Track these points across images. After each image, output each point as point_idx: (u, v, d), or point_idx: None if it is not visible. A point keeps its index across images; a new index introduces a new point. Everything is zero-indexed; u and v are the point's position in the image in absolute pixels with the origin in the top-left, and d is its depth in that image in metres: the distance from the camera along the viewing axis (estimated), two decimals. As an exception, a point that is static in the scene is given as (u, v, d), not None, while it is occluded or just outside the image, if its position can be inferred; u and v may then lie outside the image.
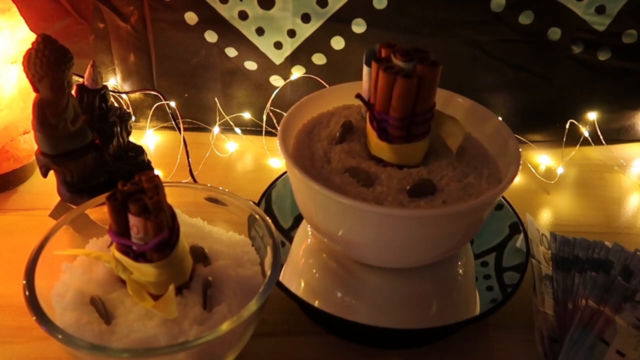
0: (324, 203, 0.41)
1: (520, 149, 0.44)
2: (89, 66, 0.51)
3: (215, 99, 0.72)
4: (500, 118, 0.49)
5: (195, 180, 0.64)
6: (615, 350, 0.44)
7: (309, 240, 0.50)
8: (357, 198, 0.40)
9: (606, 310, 0.47)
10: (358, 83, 0.48)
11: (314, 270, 0.48)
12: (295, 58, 0.68)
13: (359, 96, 0.42)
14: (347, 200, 0.39)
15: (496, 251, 0.52)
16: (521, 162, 0.43)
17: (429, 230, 0.41)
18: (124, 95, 0.71)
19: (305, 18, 0.65)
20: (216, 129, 0.72)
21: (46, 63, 0.46)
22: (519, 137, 0.47)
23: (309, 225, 0.51)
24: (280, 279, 0.48)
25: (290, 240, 0.52)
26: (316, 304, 0.45)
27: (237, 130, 0.73)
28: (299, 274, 0.48)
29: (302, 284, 0.47)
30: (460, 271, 0.49)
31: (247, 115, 0.73)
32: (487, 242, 0.52)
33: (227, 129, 0.73)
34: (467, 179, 0.42)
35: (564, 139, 0.70)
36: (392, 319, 0.45)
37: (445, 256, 0.46)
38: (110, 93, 0.53)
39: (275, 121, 0.70)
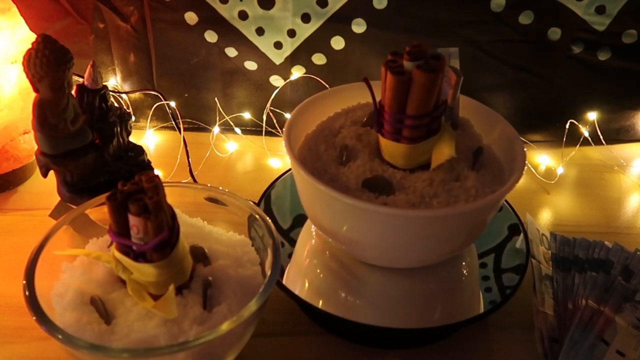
0: (328, 202, 0.41)
1: (525, 149, 0.44)
2: (89, 66, 0.51)
3: (215, 99, 0.72)
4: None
5: (195, 180, 0.64)
6: (615, 350, 0.44)
7: (313, 240, 0.50)
8: (317, 168, 0.43)
9: (606, 310, 0.47)
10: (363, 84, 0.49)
11: (318, 271, 0.48)
12: (295, 58, 0.69)
13: (365, 80, 0.43)
14: (350, 199, 0.39)
15: (495, 252, 0.52)
16: (526, 166, 0.43)
17: (429, 230, 0.41)
18: (124, 95, 0.71)
19: (305, 18, 0.65)
20: (216, 129, 0.72)
21: (46, 63, 0.46)
22: (519, 137, 0.47)
23: (313, 226, 0.51)
24: (285, 279, 0.48)
25: (290, 240, 0.52)
26: (319, 304, 0.45)
27: (237, 130, 0.73)
28: (303, 274, 0.48)
29: (306, 284, 0.47)
30: (465, 271, 0.49)
31: (247, 115, 0.73)
32: (486, 244, 0.52)
33: (227, 129, 0.73)
34: (431, 200, 0.41)
35: (564, 139, 0.70)
36: (395, 319, 0.45)
37: (448, 257, 0.46)
38: (110, 93, 0.53)
39: (275, 121, 0.70)
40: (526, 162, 0.43)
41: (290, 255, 0.51)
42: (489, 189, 0.42)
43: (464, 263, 0.49)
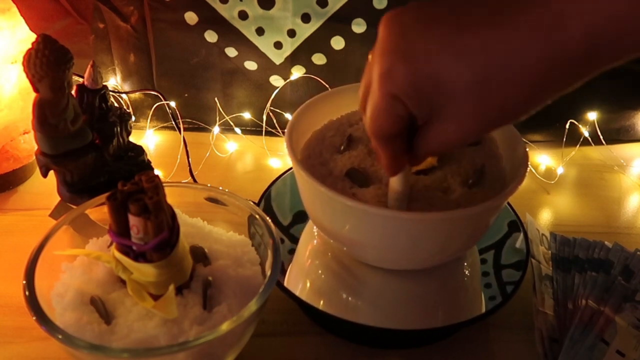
0: (329, 203, 0.41)
1: (527, 149, 0.44)
2: (89, 66, 0.51)
3: (215, 99, 0.72)
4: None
5: (195, 180, 0.64)
6: (615, 350, 0.44)
7: (315, 241, 0.50)
8: (315, 151, 0.45)
9: (606, 310, 0.47)
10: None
11: (320, 272, 0.48)
12: (295, 58, 0.69)
13: None
14: (350, 201, 0.39)
15: (495, 248, 0.52)
16: (528, 169, 0.43)
17: (430, 232, 0.41)
18: (124, 95, 0.71)
19: (305, 18, 0.65)
20: (216, 129, 0.72)
21: (46, 63, 0.46)
22: (518, 137, 0.47)
23: (315, 227, 0.51)
24: (286, 279, 0.48)
25: (290, 237, 0.52)
26: (321, 304, 0.45)
27: (237, 130, 0.73)
28: (304, 274, 0.49)
29: (308, 285, 0.47)
30: (467, 272, 0.49)
31: (247, 115, 0.73)
32: (486, 240, 0.52)
33: (227, 129, 0.73)
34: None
35: (564, 139, 0.70)
36: (396, 320, 0.45)
37: (449, 259, 0.46)
38: (110, 93, 0.53)
39: (275, 121, 0.70)
40: (528, 165, 0.43)
41: (290, 252, 0.51)
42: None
43: (465, 263, 0.49)
